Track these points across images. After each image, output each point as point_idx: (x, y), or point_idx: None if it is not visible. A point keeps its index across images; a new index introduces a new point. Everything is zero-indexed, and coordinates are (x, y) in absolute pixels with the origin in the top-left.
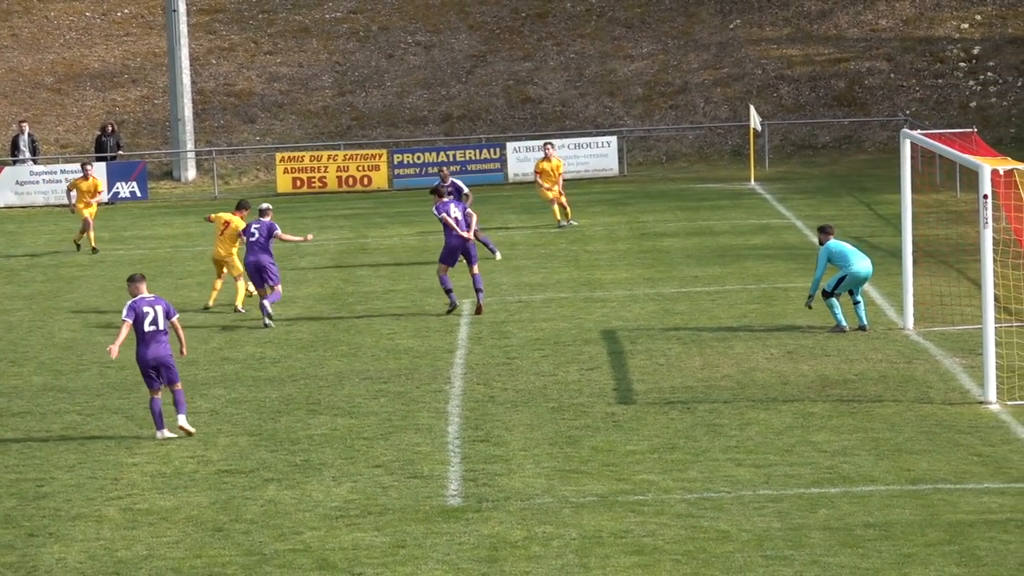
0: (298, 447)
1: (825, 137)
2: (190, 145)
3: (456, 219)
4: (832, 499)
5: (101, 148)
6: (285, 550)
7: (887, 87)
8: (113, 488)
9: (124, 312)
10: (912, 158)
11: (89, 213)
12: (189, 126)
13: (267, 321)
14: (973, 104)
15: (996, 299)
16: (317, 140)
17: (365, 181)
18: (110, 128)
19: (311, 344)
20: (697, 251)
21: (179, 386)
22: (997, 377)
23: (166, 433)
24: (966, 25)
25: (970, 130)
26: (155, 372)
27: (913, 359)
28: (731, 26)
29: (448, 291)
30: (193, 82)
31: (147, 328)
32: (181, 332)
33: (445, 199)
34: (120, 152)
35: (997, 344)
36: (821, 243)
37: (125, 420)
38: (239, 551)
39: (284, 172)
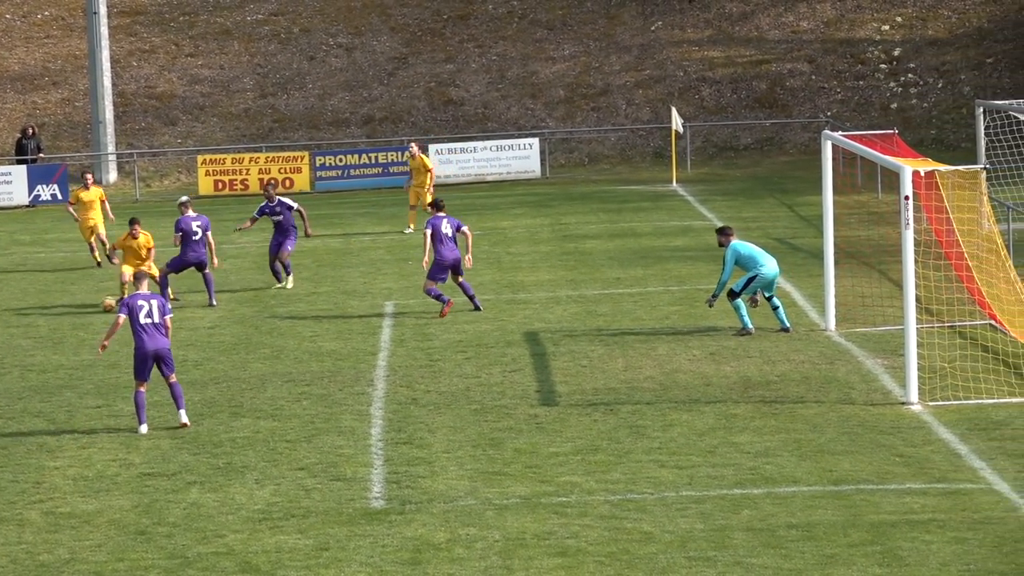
0: (221, 450)
1: (747, 139)
2: (111, 148)
3: (445, 235)
4: (755, 500)
5: (22, 151)
6: (208, 553)
7: (808, 89)
8: (35, 492)
9: (119, 307)
10: (833, 159)
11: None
12: (110, 128)
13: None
14: (894, 106)
15: (917, 300)
16: (239, 142)
17: (287, 183)
18: (31, 131)
19: (233, 346)
20: (619, 253)
21: (174, 378)
22: (919, 378)
23: (145, 429)
24: (887, 27)
25: (891, 131)
26: (155, 363)
27: (835, 360)
28: (653, 28)
29: (438, 296)
30: (114, 84)
31: (143, 321)
32: (169, 330)
33: (439, 214)
34: (41, 155)
35: (919, 345)
36: (721, 244)
37: (46, 423)
38: (162, 554)
39: (206, 174)
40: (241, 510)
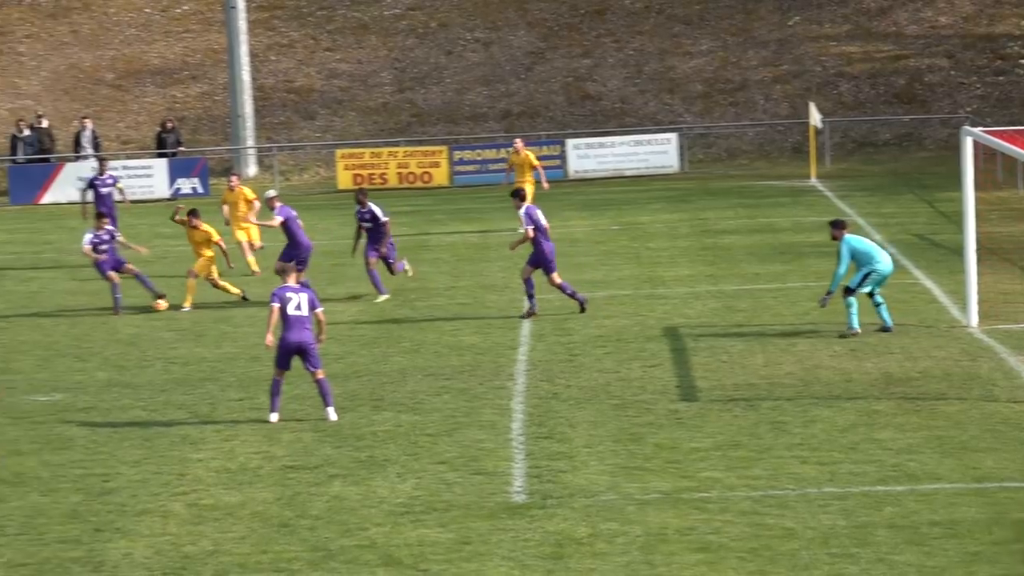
0: (363, 443)
1: (885, 134)
2: (250, 142)
3: (546, 228)
4: (897, 497)
5: (161, 145)
6: (350, 546)
7: (947, 84)
8: (179, 483)
9: (271, 298)
10: (973, 155)
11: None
12: (249, 123)
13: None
14: None
15: None
16: (377, 137)
17: (425, 178)
18: (170, 125)
19: (374, 340)
20: (758, 248)
21: (321, 373)
22: None
23: (276, 417)
24: None
25: None
26: (298, 356)
27: (977, 357)
28: (790, 23)
29: (531, 295)
30: (253, 78)
31: (292, 313)
32: (324, 321)
33: (531, 203)
34: (180, 149)
35: None
36: (835, 238)
37: (190, 415)
38: (304, 547)
39: (344, 169)
40: (383, 503)
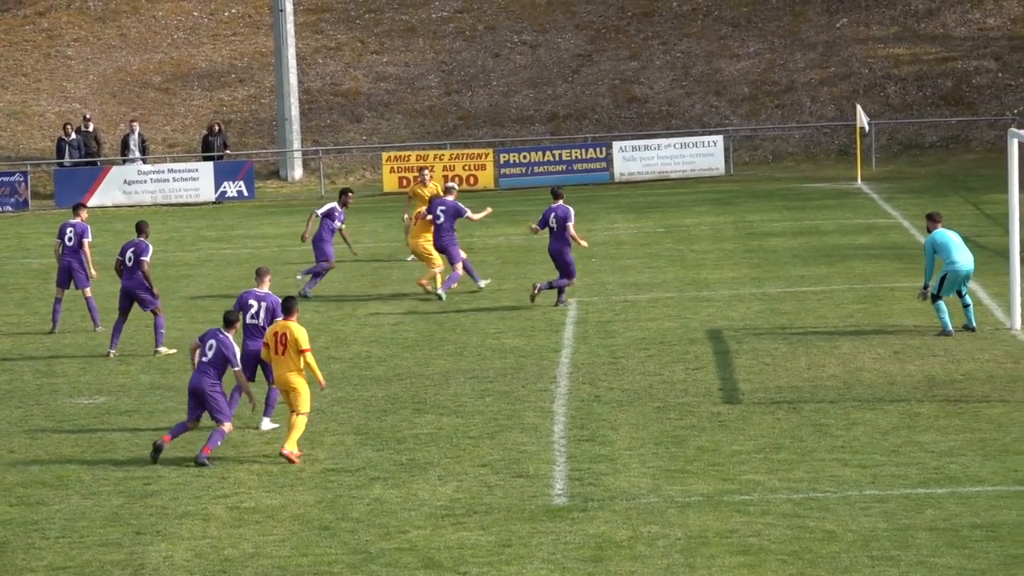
0: (404, 446)
1: (932, 136)
2: (297, 144)
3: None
4: (939, 499)
5: (208, 148)
6: (391, 549)
7: (995, 86)
8: (220, 486)
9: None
10: (1020, 157)
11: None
12: (296, 125)
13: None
14: None
15: None
16: (423, 139)
17: (471, 180)
18: (217, 128)
19: (417, 343)
20: (803, 251)
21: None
22: None
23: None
24: None
25: None
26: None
27: (1021, 359)
28: (838, 25)
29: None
30: (300, 81)
31: (248, 320)
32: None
33: (556, 203)
34: (227, 152)
35: None
36: (929, 231)
37: (232, 418)
38: (345, 550)
39: (390, 171)
40: (424, 506)
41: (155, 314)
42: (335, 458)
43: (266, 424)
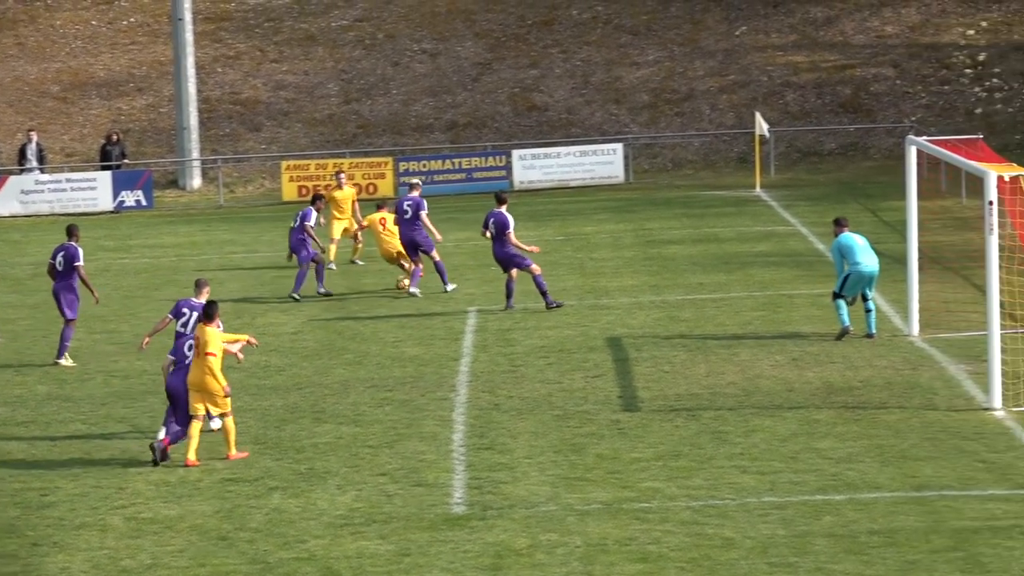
0: (303, 455)
1: (831, 144)
2: (195, 154)
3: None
4: (837, 506)
5: (106, 157)
6: (290, 559)
7: (893, 94)
8: (117, 497)
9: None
10: (918, 165)
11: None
12: (194, 134)
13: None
14: (979, 111)
15: (1001, 305)
16: (323, 148)
17: (371, 189)
18: (115, 137)
19: (316, 352)
20: (702, 258)
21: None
22: (1002, 383)
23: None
24: (972, 31)
25: (976, 137)
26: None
27: (918, 365)
28: (737, 33)
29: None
30: (199, 90)
31: (178, 329)
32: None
33: (497, 208)
34: (125, 161)
35: (1002, 350)
36: (835, 235)
37: (129, 429)
38: (243, 560)
39: (289, 180)
40: (323, 516)
41: (67, 324)
42: (233, 468)
43: (216, 424)
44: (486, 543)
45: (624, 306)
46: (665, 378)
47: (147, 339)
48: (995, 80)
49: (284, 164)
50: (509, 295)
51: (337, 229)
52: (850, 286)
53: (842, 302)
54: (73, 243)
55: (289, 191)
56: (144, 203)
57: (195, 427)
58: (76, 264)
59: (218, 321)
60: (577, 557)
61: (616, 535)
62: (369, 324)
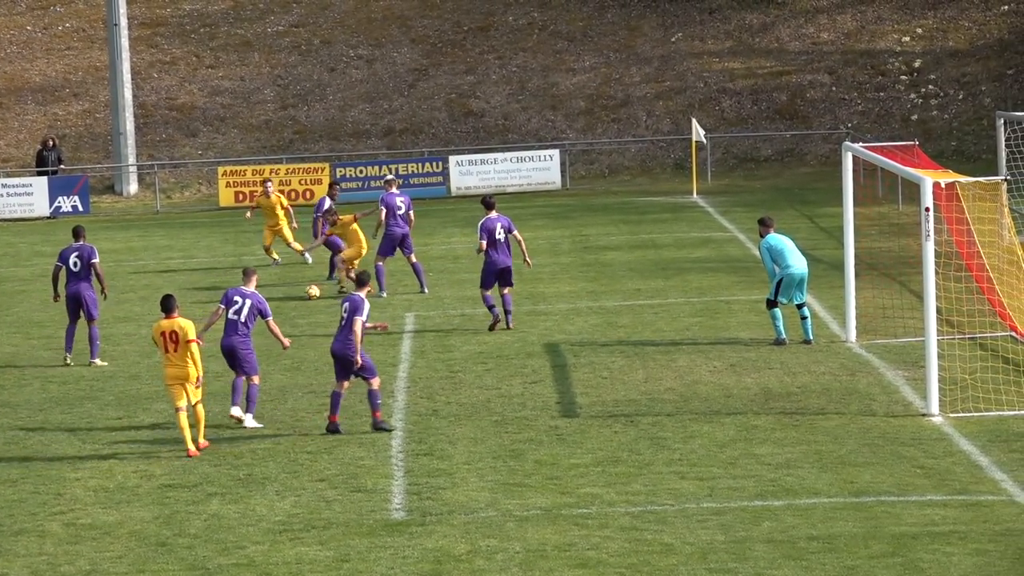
0: (241, 461)
1: (767, 150)
2: (132, 159)
3: (499, 240)
4: (775, 512)
5: (42, 163)
6: (229, 565)
7: (829, 100)
8: (56, 503)
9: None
10: (854, 171)
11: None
12: (131, 140)
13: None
14: (915, 117)
15: (938, 311)
16: (259, 154)
17: (307, 195)
18: (51, 142)
19: None
20: (640, 264)
21: (255, 380)
22: (940, 389)
23: (238, 411)
24: (907, 38)
25: (912, 143)
26: (228, 360)
27: (856, 371)
28: (673, 39)
29: (491, 307)
30: (135, 96)
31: (231, 316)
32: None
33: (493, 214)
34: (61, 166)
35: (939, 356)
36: (761, 235)
37: (67, 435)
38: (182, 566)
39: (226, 186)
40: (262, 522)
41: (91, 324)
42: (172, 474)
43: (249, 421)
44: (425, 549)
45: (562, 312)
46: (603, 384)
47: (201, 335)
48: (931, 87)
49: (221, 170)
50: (505, 312)
51: (268, 236)
52: (784, 291)
53: (778, 312)
54: (85, 243)
55: (226, 197)
56: (81, 208)
57: (182, 419)
58: (93, 262)
59: (176, 314)
60: (517, 563)
61: (555, 541)
62: (306, 330)
